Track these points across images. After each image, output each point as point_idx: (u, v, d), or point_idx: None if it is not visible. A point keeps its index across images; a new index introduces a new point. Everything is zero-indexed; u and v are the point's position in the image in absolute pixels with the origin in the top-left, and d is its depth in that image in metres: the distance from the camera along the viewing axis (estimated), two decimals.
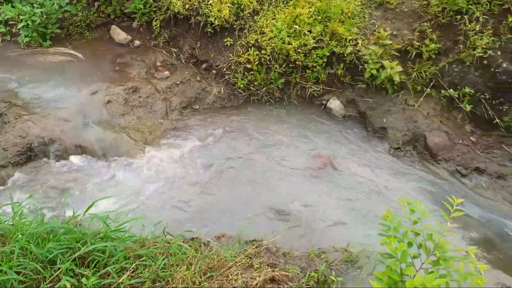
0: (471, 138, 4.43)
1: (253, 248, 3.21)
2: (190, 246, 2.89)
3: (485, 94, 4.31)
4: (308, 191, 4.02)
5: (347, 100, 4.98)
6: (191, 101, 5.24)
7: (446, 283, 2.35)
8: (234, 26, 5.40)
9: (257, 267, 2.84)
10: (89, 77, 5.31)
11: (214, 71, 5.50)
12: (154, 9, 6.00)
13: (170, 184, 4.20)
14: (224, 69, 5.34)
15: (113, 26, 6.20)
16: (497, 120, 4.31)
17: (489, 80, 4.30)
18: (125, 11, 6.21)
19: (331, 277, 2.97)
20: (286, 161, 4.41)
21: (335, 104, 4.94)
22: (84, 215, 2.77)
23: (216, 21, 5.33)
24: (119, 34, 6.08)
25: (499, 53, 4.32)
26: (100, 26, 6.34)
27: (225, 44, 5.40)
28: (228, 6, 5.34)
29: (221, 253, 2.88)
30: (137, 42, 6.06)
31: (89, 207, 2.77)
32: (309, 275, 2.95)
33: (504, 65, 4.22)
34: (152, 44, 6.07)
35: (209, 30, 5.46)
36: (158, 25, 5.96)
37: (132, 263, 2.51)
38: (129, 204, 3.97)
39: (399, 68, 4.49)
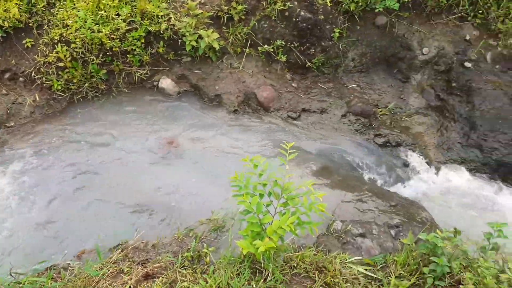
0: (293, 85, 4.93)
1: (119, 253, 3.07)
2: (46, 277, 2.60)
3: (294, 43, 4.80)
4: (163, 177, 3.97)
5: (177, 77, 4.96)
6: (2, 119, 4.51)
7: (297, 218, 2.65)
8: (30, 24, 4.75)
9: (127, 270, 2.73)
10: None
11: (21, 79, 4.80)
12: None
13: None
14: (33, 74, 4.71)
15: None
16: (309, 64, 4.88)
17: (293, 30, 4.79)
18: None
19: (203, 250, 3.05)
20: (134, 153, 4.24)
21: (166, 83, 4.88)
22: None
23: (6, 23, 4.60)
24: None
25: (295, 3, 4.81)
26: None
27: (25, 46, 4.73)
28: (16, 4, 4.64)
29: (84, 272, 2.67)
30: None
31: None
32: (182, 256, 2.97)
33: (302, 13, 4.73)
34: None
35: (1, 34, 4.69)
36: None
37: None
38: None
39: (216, 35, 4.64)
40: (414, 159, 4.70)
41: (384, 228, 3.40)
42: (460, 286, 2.58)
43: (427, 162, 4.70)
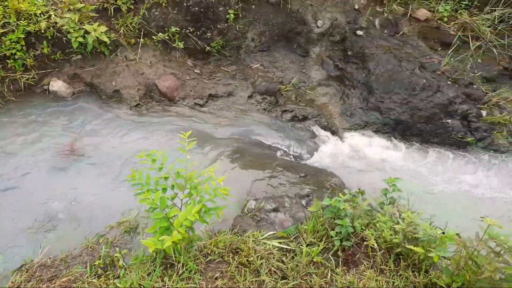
0: (196, 71, 4.84)
1: (23, 275, 2.83)
2: None
3: (189, 28, 4.69)
4: (65, 185, 3.69)
5: (69, 77, 4.60)
6: None
7: (203, 206, 2.62)
8: None
9: None
10: None
11: None
12: None
13: None
14: None
15: None
16: (208, 48, 4.80)
17: (186, 15, 4.66)
18: None
19: (116, 255, 2.92)
20: (30, 164, 3.88)
21: (57, 85, 4.51)
22: None
23: None
24: None
25: None
26: None
27: None
28: None
29: None
30: None
31: None
32: (93, 266, 2.81)
33: None
34: None
35: None
36: None
37: None
38: None
39: (104, 28, 4.36)
40: (321, 129, 4.89)
41: (296, 199, 3.51)
42: (365, 243, 2.75)
43: (333, 130, 4.92)
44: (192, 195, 2.63)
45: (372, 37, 5.44)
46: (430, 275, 2.46)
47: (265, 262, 2.72)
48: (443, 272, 2.44)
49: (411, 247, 2.47)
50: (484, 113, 4.88)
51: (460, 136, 4.73)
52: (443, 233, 2.45)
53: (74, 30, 4.26)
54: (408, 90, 4.88)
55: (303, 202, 3.48)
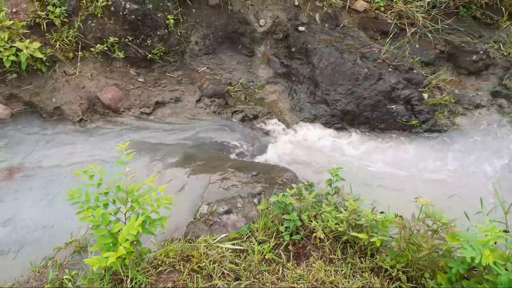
0: (140, 80, 4.75)
1: None
2: None
3: (128, 37, 4.60)
4: (7, 211, 3.53)
5: (5, 97, 4.40)
6: None
7: (147, 217, 2.58)
8: None
9: None
10: None
11: None
12: None
13: None
14: None
15: None
16: (150, 55, 4.74)
17: (123, 24, 4.57)
18: None
19: (65, 277, 2.83)
20: None
21: None
22: None
23: None
24: None
25: None
26: None
27: None
28: None
29: None
30: None
31: None
32: None
33: (128, 5, 4.53)
34: None
35: None
36: None
37: None
38: None
39: (37, 44, 4.21)
40: (273, 126, 4.94)
41: (248, 198, 3.52)
42: (314, 234, 2.80)
43: (285, 126, 4.98)
44: (134, 208, 2.58)
45: (314, 32, 5.54)
46: (376, 259, 2.53)
47: (218, 265, 2.71)
48: (388, 254, 2.52)
49: (355, 234, 2.54)
50: (425, 96, 5.09)
51: (405, 120, 4.91)
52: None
53: (4, 49, 4.08)
54: (352, 81, 5.01)
55: (255, 200, 3.49)
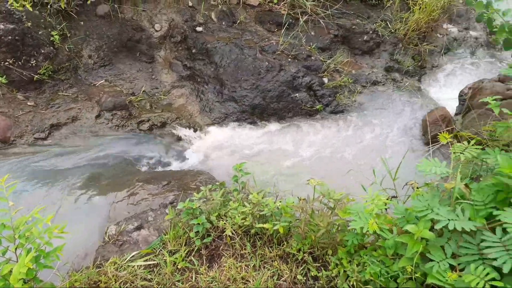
0: (29, 104, 4.39)
1: None
2: None
3: (8, 60, 4.22)
4: None
5: None
6: None
7: (40, 251, 2.38)
8: None
9: None
10: None
11: None
12: None
13: None
14: None
15: None
16: (37, 76, 4.39)
17: (0, 47, 4.19)
18: None
19: None
20: None
21: None
22: None
23: None
24: None
25: None
26: None
27: None
28: None
29: None
30: None
31: None
32: None
33: (2, 26, 4.15)
34: None
35: None
36: None
37: None
38: None
39: None
40: (184, 131, 4.84)
41: (160, 210, 3.41)
42: (224, 233, 2.78)
43: (196, 129, 4.91)
44: (24, 244, 2.37)
45: (212, 31, 5.52)
46: (283, 246, 2.57)
47: (130, 285, 2.59)
48: (295, 239, 2.57)
49: (261, 225, 2.55)
50: (326, 80, 5.31)
51: (310, 106, 5.08)
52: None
53: None
54: (255, 75, 5.08)
55: (167, 211, 3.39)
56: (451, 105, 5.12)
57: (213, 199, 2.91)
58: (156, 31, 5.35)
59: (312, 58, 5.41)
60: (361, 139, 4.50)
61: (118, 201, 3.53)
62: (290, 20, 5.66)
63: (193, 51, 5.39)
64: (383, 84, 5.39)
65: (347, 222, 2.31)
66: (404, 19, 5.90)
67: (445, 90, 5.45)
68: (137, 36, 5.25)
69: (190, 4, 5.62)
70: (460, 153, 2.08)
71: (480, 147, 2.10)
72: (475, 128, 4.01)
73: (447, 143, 2.21)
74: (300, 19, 5.61)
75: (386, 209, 2.30)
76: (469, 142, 2.15)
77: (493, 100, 2.07)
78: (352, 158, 4.18)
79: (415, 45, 5.89)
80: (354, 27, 5.73)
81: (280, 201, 2.66)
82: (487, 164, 2.33)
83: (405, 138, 4.59)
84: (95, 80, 4.98)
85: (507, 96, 4.35)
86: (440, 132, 2.33)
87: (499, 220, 1.66)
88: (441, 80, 5.68)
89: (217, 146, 4.81)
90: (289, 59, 5.29)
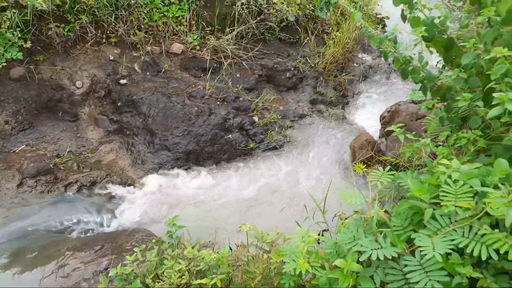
0: None
1: None
2: None
3: None
4: None
5: None
6: None
7: None
8: None
9: None
10: None
11: None
12: None
13: None
14: None
15: None
16: None
17: None
18: None
19: None
20: None
21: None
22: None
23: None
24: None
25: None
26: None
27: None
28: None
29: None
30: None
31: None
32: None
33: None
34: None
35: None
36: None
37: None
38: None
39: None
40: (117, 187, 4.65)
41: (94, 278, 3.19)
42: None
43: (130, 183, 4.73)
44: None
45: (136, 82, 5.48)
46: None
47: None
48: None
49: (198, 281, 2.46)
50: (256, 118, 5.42)
51: (244, 145, 5.14)
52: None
53: None
54: (185, 121, 5.07)
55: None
56: (376, 129, 5.44)
57: (148, 260, 2.77)
58: (78, 88, 5.21)
59: (240, 99, 5.53)
60: (295, 174, 4.60)
61: (46, 276, 3.25)
62: (215, 65, 5.79)
63: (119, 104, 5.28)
64: (310, 117, 5.62)
65: (282, 263, 2.30)
66: (321, 53, 6.27)
67: (368, 115, 5.79)
68: (57, 95, 5.06)
69: (112, 58, 5.56)
70: (377, 180, 2.19)
71: (393, 173, 2.21)
72: (397, 150, 4.27)
73: (377, 165, 2.31)
74: (224, 62, 5.75)
75: (319, 243, 2.32)
76: (387, 166, 2.27)
77: (397, 128, 2.22)
78: (288, 193, 4.24)
79: (334, 76, 6.26)
80: (276, 65, 5.99)
81: (217, 252, 2.60)
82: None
83: (337, 167, 4.76)
84: (15, 146, 4.68)
85: (420, 115, 4.71)
86: (360, 162, 2.44)
87: None
88: (363, 106, 6.05)
89: (153, 199, 4.66)
90: (218, 102, 5.36)
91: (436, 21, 2.68)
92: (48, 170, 4.46)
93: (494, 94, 1.76)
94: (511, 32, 2.08)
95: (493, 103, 1.87)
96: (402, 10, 2.72)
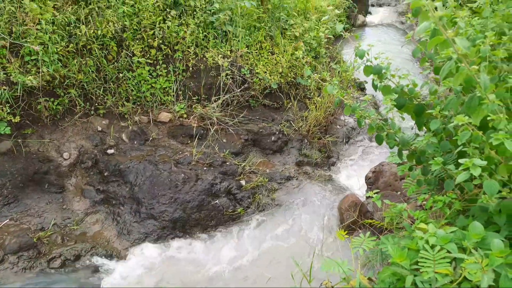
0: None
1: None
2: None
3: None
4: None
5: None
6: None
7: None
8: None
9: None
10: None
11: None
12: None
13: None
14: None
15: None
16: None
17: None
18: None
19: None
20: None
21: None
22: None
23: None
24: None
25: None
26: None
27: None
28: None
29: None
30: None
31: None
32: None
33: None
34: None
35: None
36: None
37: None
38: None
39: None
40: (101, 260, 4.53)
41: None
42: None
43: (114, 256, 4.62)
44: None
45: (124, 151, 5.55)
46: None
47: None
48: None
49: None
50: (243, 182, 5.46)
51: (231, 210, 5.12)
52: None
53: None
54: (172, 188, 5.08)
55: None
56: (362, 189, 5.50)
57: None
58: (65, 159, 5.25)
59: (227, 163, 5.60)
60: (284, 239, 4.55)
61: None
62: (202, 131, 5.93)
63: (106, 174, 5.30)
64: (296, 179, 5.68)
65: None
66: (304, 117, 6.49)
67: (353, 176, 5.88)
68: (44, 167, 5.08)
69: (100, 128, 5.68)
70: (359, 247, 2.20)
71: (374, 238, 2.23)
72: (384, 210, 4.30)
73: (364, 227, 2.32)
74: (210, 129, 5.91)
75: None
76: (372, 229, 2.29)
77: (374, 193, 2.28)
78: (279, 260, 4.17)
79: (319, 138, 6.43)
80: (261, 130, 6.15)
81: None
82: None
83: (325, 230, 4.74)
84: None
85: (403, 175, 4.80)
86: (346, 226, 2.45)
87: None
88: (348, 167, 6.16)
89: (138, 273, 4.52)
90: (205, 168, 5.42)
91: (405, 89, 2.85)
92: (31, 245, 4.35)
93: (460, 160, 1.85)
94: (471, 99, 2.23)
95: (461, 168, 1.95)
96: (373, 80, 2.90)
